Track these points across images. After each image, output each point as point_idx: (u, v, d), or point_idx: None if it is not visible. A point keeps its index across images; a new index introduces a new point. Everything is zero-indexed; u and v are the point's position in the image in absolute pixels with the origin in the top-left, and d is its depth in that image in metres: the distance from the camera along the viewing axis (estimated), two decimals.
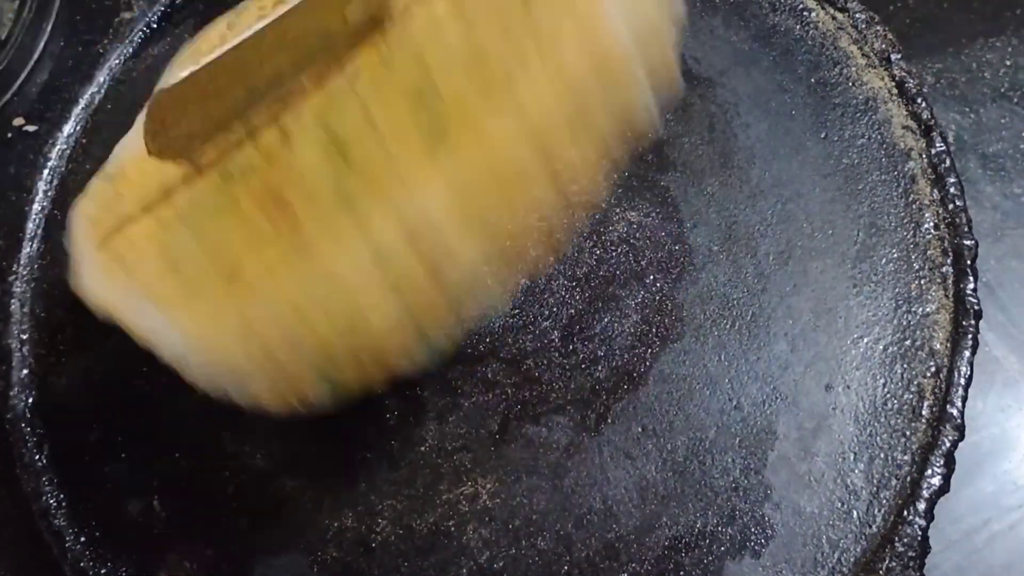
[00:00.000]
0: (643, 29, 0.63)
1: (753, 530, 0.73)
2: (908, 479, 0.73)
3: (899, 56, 0.82)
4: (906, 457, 0.74)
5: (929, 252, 0.78)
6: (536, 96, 0.61)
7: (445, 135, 0.60)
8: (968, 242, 0.77)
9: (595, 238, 0.81)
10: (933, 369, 0.75)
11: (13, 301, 0.81)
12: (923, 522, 0.72)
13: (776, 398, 0.76)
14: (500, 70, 0.60)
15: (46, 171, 0.84)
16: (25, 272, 0.82)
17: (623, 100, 0.64)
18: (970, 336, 0.75)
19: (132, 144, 0.61)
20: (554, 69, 0.61)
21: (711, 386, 0.76)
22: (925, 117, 0.81)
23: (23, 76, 0.87)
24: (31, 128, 0.86)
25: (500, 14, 0.59)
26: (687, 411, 0.76)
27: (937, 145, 0.80)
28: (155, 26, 0.88)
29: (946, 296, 0.77)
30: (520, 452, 0.75)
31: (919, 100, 0.81)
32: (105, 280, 0.61)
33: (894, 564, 0.71)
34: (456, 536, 0.73)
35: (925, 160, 0.80)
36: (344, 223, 0.60)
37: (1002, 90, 0.90)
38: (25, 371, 0.80)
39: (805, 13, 0.85)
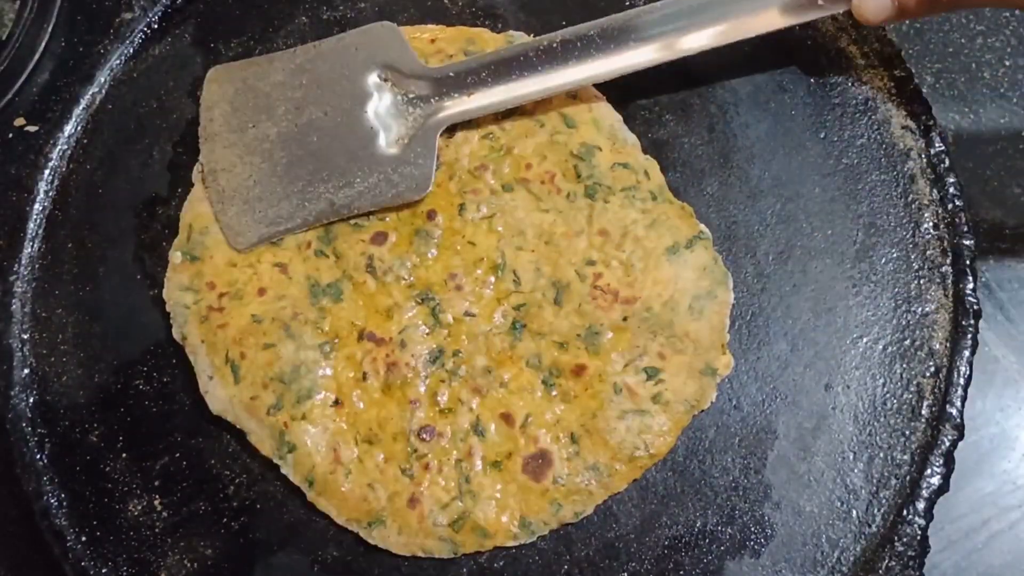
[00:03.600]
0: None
1: (753, 529, 0.73)
2: (907, 479, 0.73)
3: (899, 56, 0.82)
4: (905, 457, 0.74)
5: (928, 252, 0.78)
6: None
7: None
8: (968, 242, 0.78)
9: None
10: (932, 369, 0.76)
11: (14, 301, 0.81)
12: (922, 521, 0.72)
13: (776, 397, 0.76)
14: None
15: (46, 171, 0.84)
16: (25, 272, 0.82)
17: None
18: (969, 336, 0.76)
19: None
20: None
21: None
22: (925, 117, 0.81)
23: (24, 76, 0.87)
24: (32, 128, 0.86)
25: None
26: None
27: (937, 145, 0.80)
28: (155, 27, 0.88)
29: (945, 296, 0.77)
30: None
31: (919, 100, 0.81)
32: None
33: (894, 563, 0.71)
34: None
35: (924, 160, 0.80)
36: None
37: (1002, 90, 0.90)
38: (25, 371, 0.80)
39: None
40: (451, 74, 0.79)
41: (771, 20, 0.78)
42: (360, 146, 0.79)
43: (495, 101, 0.79)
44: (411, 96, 0.80)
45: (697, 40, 0.78)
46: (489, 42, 0.83)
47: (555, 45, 0.78)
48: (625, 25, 0.78)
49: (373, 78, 0.80)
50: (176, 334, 0.77)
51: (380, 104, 0.80)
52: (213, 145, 0.81)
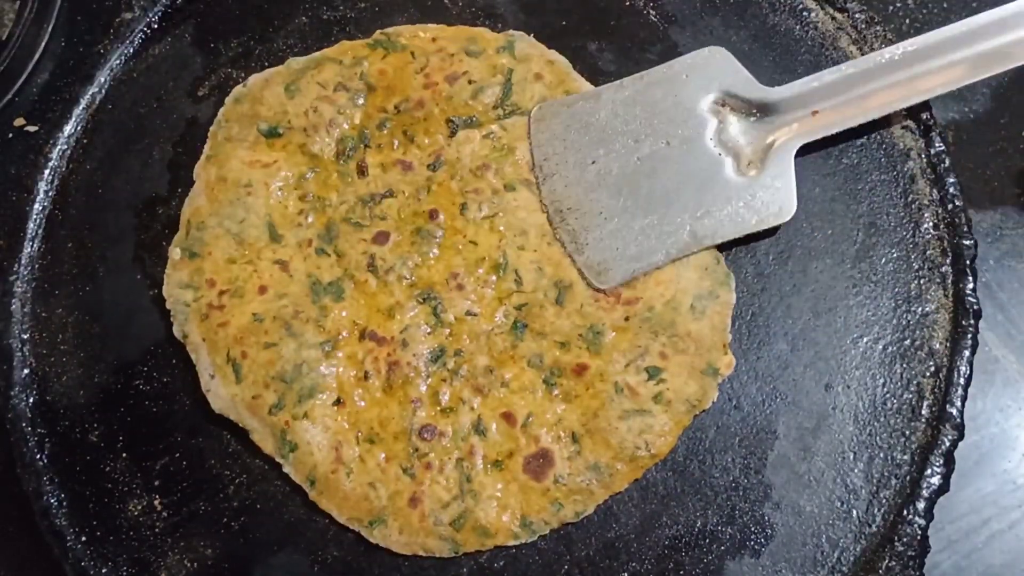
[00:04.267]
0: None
1: (753, 529, 0.73)
2: (908, 479, 0.73)
3: None
4: (906, 457, 0.74)
5: (928, 252, 0.78)
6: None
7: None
8: (967, 242, 0.78)
9: None
10: (933, 369, 0.76)
11: (13, 301, 0.81)
12: (923, 521, 0.72)
13: (776, 397, 0.76)
14: None
15: (46, 171, 0.84)
16: (25, 272, 0.82)
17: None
18: (969, 336, 0.76)
19: None
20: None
21: None
22: (925, 117, 0.81)
23: (24, 76, 0.87)
24: (32, 128, 0.86)
25: None
26: None
27: (937, 145, 0.80)
28: (155, 27, 0.88)
29: (945, 296, 0.77)
30: None
31: None
32: None
33: (894, 563, 0.72)
34: None
35: (924, 160, 0.80)
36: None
37: (1002, 90, 0.90)
38: (25, 371, 0.80)
39: (805, 13, 0.85)
40: (792, 94, 0.78)
41: None
42: (709, 174, 0.78)
43: (840, 118, 0.78)
44: (753, 119, 0.79)
45: None
46: (490, 41, 0.83)
47: (898, 58, 0.77)
48: (970, 34, 0.76)
49: (710, 104, 0.79)
50: (176, 332, 0.77)
51: (722, 130, 0.79)
52: (553, 184, 0.79)
